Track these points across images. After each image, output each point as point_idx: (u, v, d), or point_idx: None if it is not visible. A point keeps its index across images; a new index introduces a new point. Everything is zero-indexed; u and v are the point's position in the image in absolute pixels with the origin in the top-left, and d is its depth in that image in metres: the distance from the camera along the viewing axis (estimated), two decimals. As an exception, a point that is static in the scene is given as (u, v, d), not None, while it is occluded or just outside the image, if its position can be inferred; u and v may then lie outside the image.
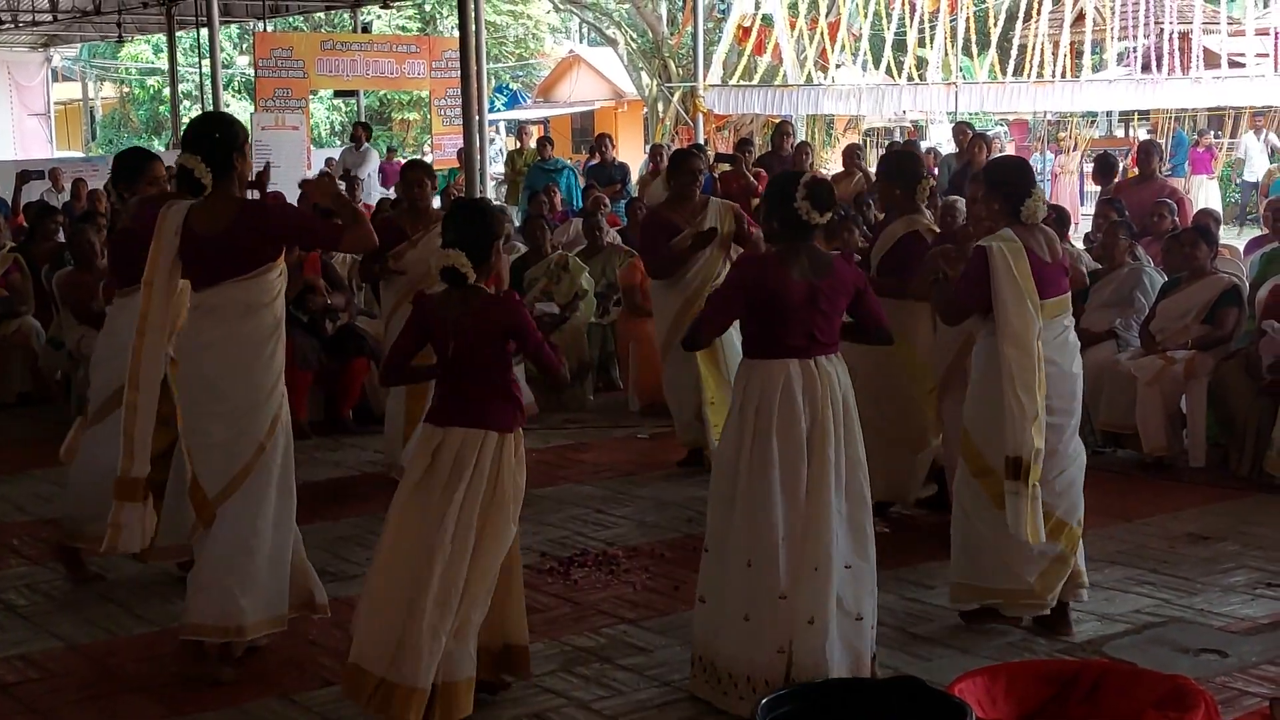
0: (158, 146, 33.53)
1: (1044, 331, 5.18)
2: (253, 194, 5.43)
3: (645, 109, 30.19)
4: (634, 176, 16.30)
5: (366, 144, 19.85)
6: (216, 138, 4.97)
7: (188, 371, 5.00)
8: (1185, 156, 21.94)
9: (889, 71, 23.58)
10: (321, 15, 32.14)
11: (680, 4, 29.89)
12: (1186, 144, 22.64)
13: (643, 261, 8.57)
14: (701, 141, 18.46)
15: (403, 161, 20.43)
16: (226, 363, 4.96)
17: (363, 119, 28.56)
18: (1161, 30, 23.26)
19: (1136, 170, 11.47)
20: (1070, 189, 22.94)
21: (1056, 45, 23.36)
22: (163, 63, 29.56)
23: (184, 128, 5.11)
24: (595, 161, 15.81)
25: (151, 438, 4.99)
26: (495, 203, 9.32)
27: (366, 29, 25.06)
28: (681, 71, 26.52)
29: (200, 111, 25.42)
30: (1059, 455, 5.29)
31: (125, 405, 4.97)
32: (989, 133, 19.82)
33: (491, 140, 26.03)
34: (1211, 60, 23.08)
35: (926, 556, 6.23)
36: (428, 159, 21.96)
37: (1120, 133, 29.89)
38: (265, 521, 4.98)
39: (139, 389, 4.93)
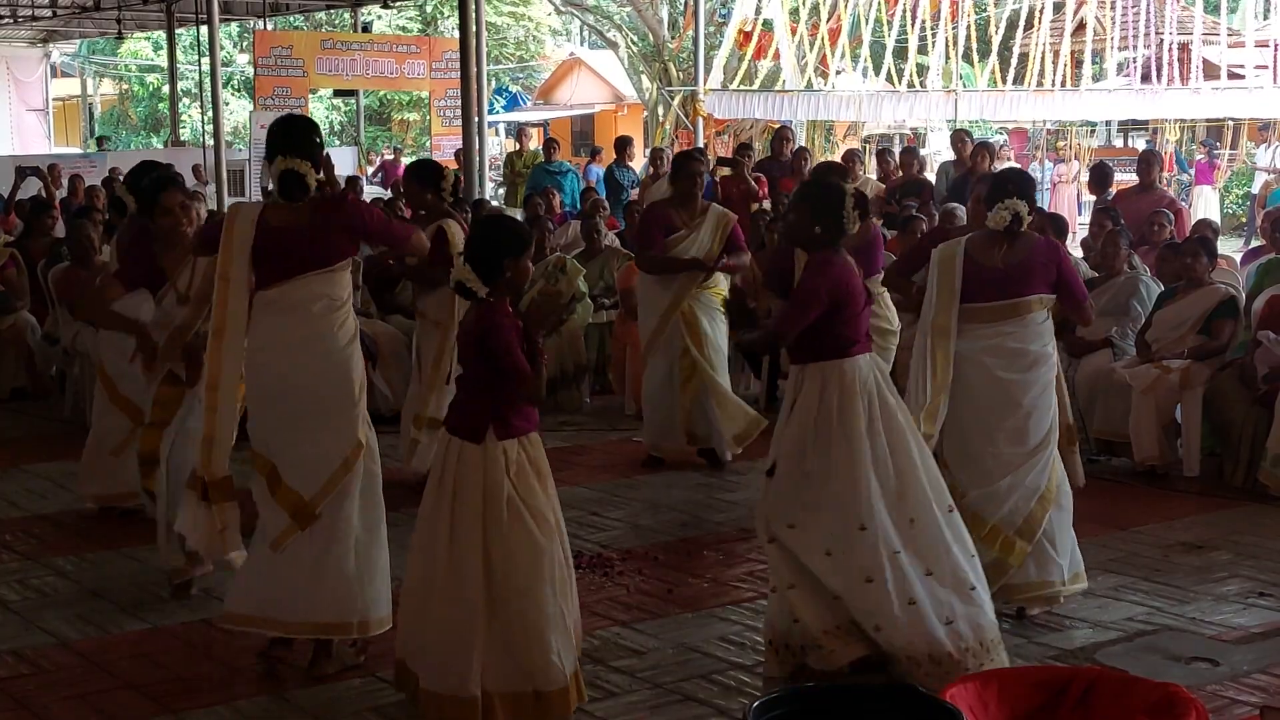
0: (155, 144, 33.57)
1: (976, 332, 5.45)
2: None
3: (645, 113, 30.19)
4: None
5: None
6: (318, 142, 4.99)
7: (269, 372, 4.93)
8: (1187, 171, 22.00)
9: (889, 78, 23.58)
10: (322, 14, 32.13)
11: (681, 8, 29.92)
12: (1182, 162, 22.69)
13: (635, 252, 8.68)
14: (701, 145, 18.47)
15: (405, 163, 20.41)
16: (312, 361, 4.91)
17: (362, 119, 28.61)
18: (1161, 41, 23.26)
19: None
20: (1069, 198, 22.95)
21: (1057, 54, 23.36)
22: (162, 60, 29.54)
23: (283, 129, 4.97)
24: (613, 163, 15.94)
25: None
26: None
27: (367, 29, 25.06)
28: (682, 75, 26.52)
29: (199, 109, 25.47)
30: (993, 460, 5.42)
31: (205, 408, 4.98)
32: (990, 140, 19.86)
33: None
34: (1211, 71, 23.09)
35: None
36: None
37: (1119, 143, 29.93)
38: (370, 514, 4.99)
39: (219, 390, 4.94)
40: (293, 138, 4.93)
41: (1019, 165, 6.37)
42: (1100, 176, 11.41)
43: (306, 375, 4.89)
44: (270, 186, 5.12)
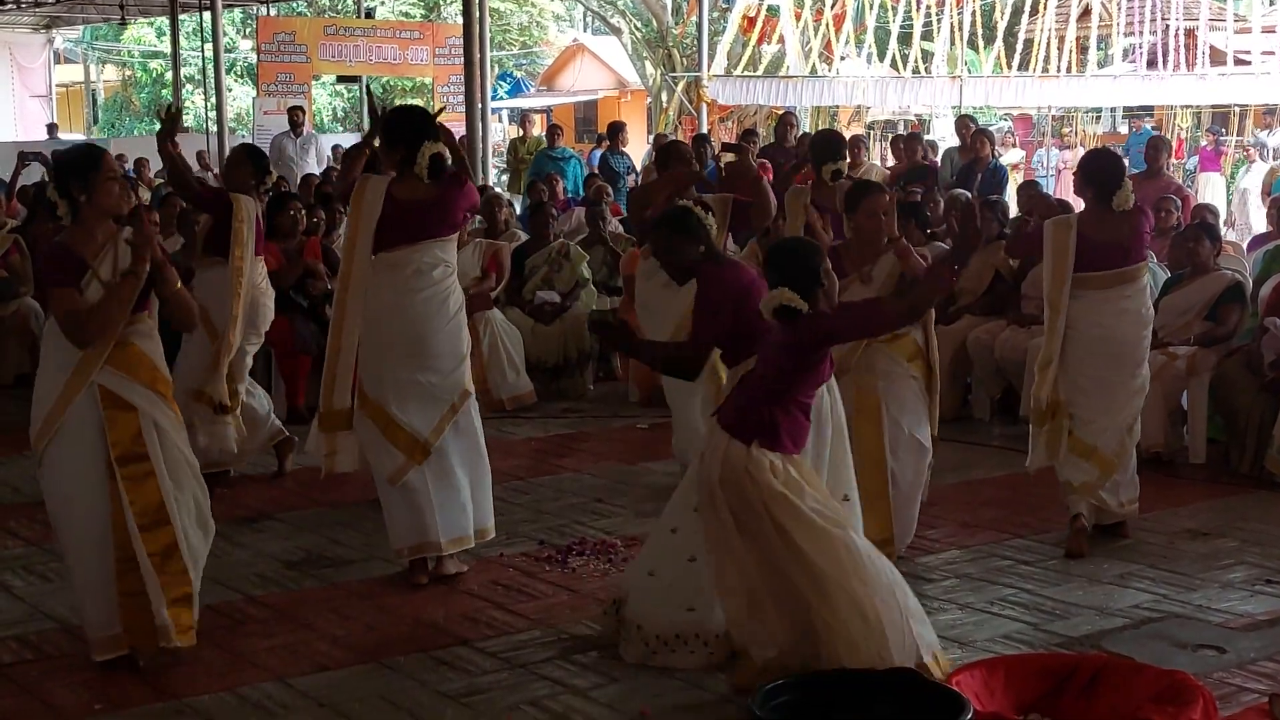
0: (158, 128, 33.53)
1: (1095, 297, 6.19)
2: None
3: (649, 99, 30.16)
4: (637, 165, 16.28)
5: (310, 130, 18.39)
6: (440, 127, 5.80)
7: (392, 325, 5.68)
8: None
9: (894, 64, 23.53)
10: (325, 0, 32.09)
11: (685, -6, 29.85)
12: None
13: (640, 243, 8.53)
14: (705, 132, 18.43)
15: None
16: (433, 317, 5.70)
17: (365, 105, 28.50)
18: (1167, 27, 23.20)
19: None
20: (1075, 185, 22.89)
21: (1062, 40, 23.30)
22: (165, 46, 29.49)
23: (426, 119, 5.80)
24: (605, 149, 15.82)
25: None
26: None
27: (370, 14, 25.01)
28: (686, 61, 26.46)
29: (202, 96, 25.44)
30: (1106, 399, 6.26)
31: (329, 351, 5.80)
32: (992, 127, 19.81)
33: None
34: (1217, 57, 23.03)
35: (923, 550, 6.25)
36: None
37: (1124, 129, 29.86)
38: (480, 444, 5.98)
39: (342, 337, 5.74)
40: (432, 126, 5.72)
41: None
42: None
43: (427, 329, 5.68)
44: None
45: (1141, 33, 23.66)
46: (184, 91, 26.29)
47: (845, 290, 6.16)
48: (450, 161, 5.75)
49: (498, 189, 14.48)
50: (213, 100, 22.37)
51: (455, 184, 5.75)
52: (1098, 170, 6.39)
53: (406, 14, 34.47)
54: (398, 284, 5.66)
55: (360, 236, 5.68)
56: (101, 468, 4.81)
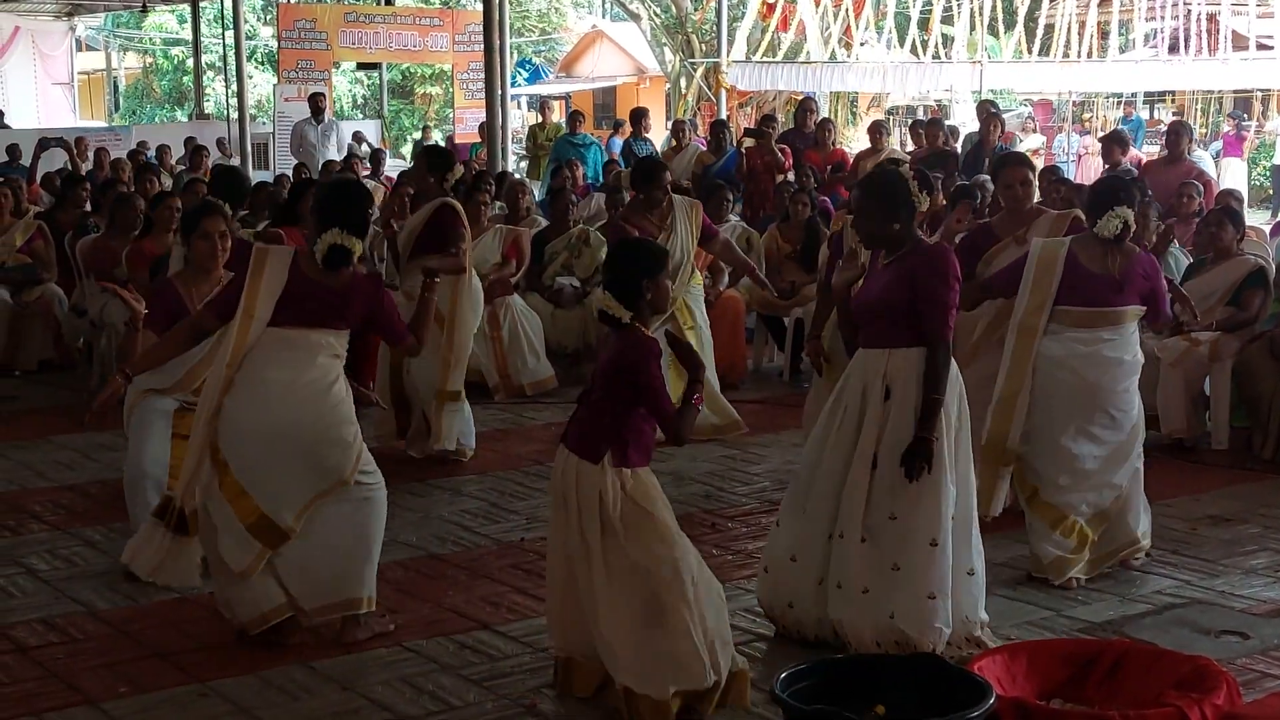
0: (180, 117, 33.60)
1: (1070, 335, 5.62)
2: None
3: (668, 85, 30.07)
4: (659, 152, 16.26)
5: (331, 117, 18.39)
6: (369, 214, 5.30)
7: (267, 407, 4.98)
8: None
9: (913, 49, 23.43)
10: (345, -13, 32.05)
11: (704, -21, 29.76)
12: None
13: None
14: (724, 118, 18.41)
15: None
16: (310, 402, 5.01)
17: (385, 92, 28.57)
18: (1189, 11, 23.07)
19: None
20: (1095, 170, 22.81)
21: (1083, 25, 23.19)
22: (186, 33, 29.51)
23: (339, 200, 5.09)
24: (629, 136, 15.83)
25: None
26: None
27: (390, 1, 25.00)
28: (705, 47, 26.39)
29: (223, 83, 25.49)
30: (1078, 461, 5.61)
31: (204, 433, 4.97)
32: (1012, 113, 19.73)
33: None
34: (1239, 42, 22.88)
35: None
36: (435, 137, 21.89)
37: (1145, 114, 29.71)
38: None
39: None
40: (347, 211, 5.02)
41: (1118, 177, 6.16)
42: (1118, 144, 11.24)
43: (305, 416, 4.93)
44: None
45: (1163, 17, 23.53)
46: (205, 78, 26.31)
47: (1001, 252, 6.30)
48: (358, 254, 5.03)
49: (517, 175, 14.48)
50: (233, 87, 22.42)
51: (366, 285, 5.12)
52: (1091, 192, 5.97)
53: (426, 1, 34.46)
54: (279, 362, 4.96)
55: (258, 311, 4.94)
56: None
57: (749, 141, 13.07)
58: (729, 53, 20.92)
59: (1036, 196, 7.00)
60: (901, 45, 24.01)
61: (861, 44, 23.58)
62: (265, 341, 4.96)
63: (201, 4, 24.74)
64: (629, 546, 4.34)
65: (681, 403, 4.40)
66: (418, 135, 27.88)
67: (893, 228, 4.81)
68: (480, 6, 16.24)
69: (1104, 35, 23.91)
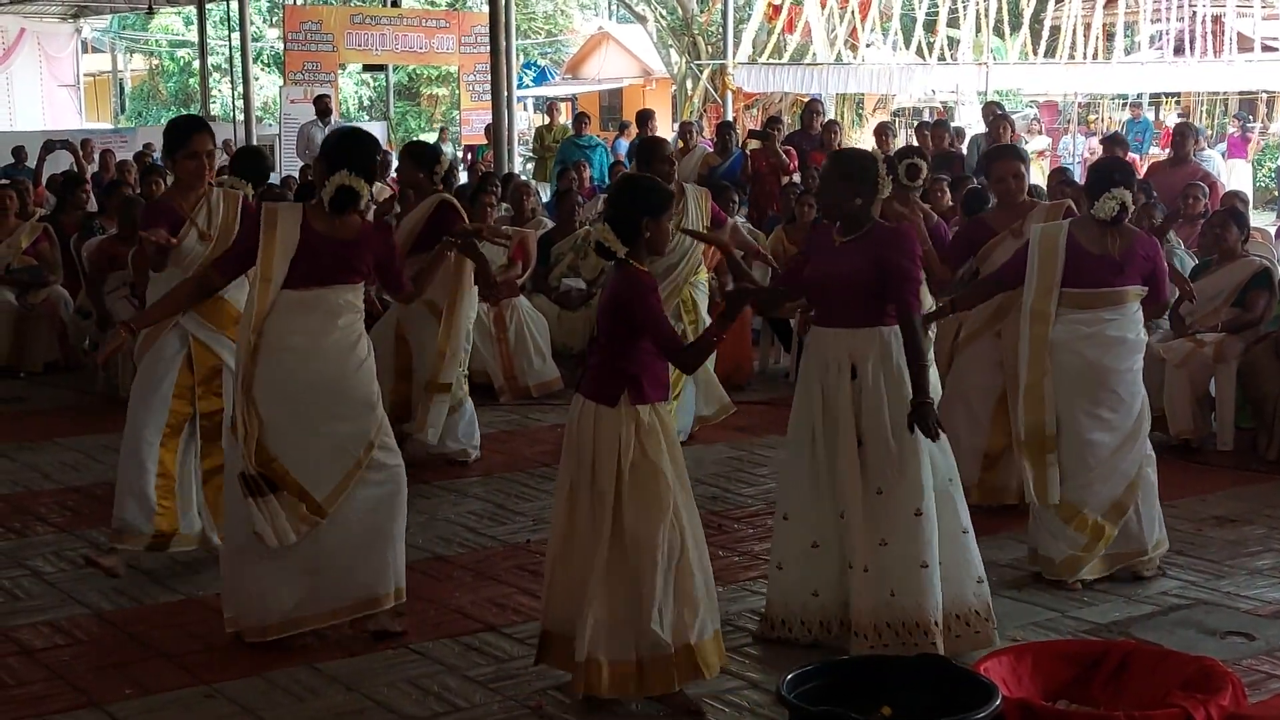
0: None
1: (1073, 317, 5.59)
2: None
3: (674, 87, 30.07)
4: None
5: (337, 119, 18.43)
6: (378, 159, 5.28)
7: (293, 371, 5.00)
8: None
9: (919, 51, 23.44)
10: (351, -11, 32.09)
11: (710, -19, 29.76)
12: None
13: None
14: (730, 119, 18.42)
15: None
16: (337, 364, 5.10)
17: (391, 94, 28.57)
18: (1194, 13, 23.07)
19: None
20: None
21: (1089, 27, 23.18)
22: (192, 35, 29.61)
23: (350, 145, 5.05)
24: (636, 138, 15.80)
25: None
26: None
27: (396, 3, 25.03)
28: (711, 49, 26.40)
29: (229, 85, 25.53)
30: (1087, 448, 5.56)
31: (242, 404, 4.97)
32: (1018, 114, 19.72)
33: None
34: (1244, 43, 22.87)
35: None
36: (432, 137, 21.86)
37: (1151, 115, 29.69)
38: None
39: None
40: (356, 155, 5.00)
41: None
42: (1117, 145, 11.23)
43: (330, 376, 4.97)
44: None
45: (1168, 19, 23.53)
46: (211, 80, 26.35)
47: (998, 246, 6.35)
48: (366, 198, 5.06)
49: (524, 177, 14.50)
50: (239, 89, 22.44)
51: (379, 234, 5.23)
52: (1091, 173, 6.02)
53: (432, 2, 34.51)
54: (302, 326, 4.98)
55: (274, 274, 4.94)
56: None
57: (754, 143, 13.08)
58: (735, 54, 20.95)
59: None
60: (907, 47, 24.02)
61: (867, 46, 23.59)
62: (283, 307, 4.94)
63: (207, 6, 24.77)
64: (628, 509, 4.37)
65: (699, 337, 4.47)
66: (430, 136, 27.88)
67: (855, 203, 4.87)
68: (486, 8, 16.28)
69: (1109, 37, 23.92)
